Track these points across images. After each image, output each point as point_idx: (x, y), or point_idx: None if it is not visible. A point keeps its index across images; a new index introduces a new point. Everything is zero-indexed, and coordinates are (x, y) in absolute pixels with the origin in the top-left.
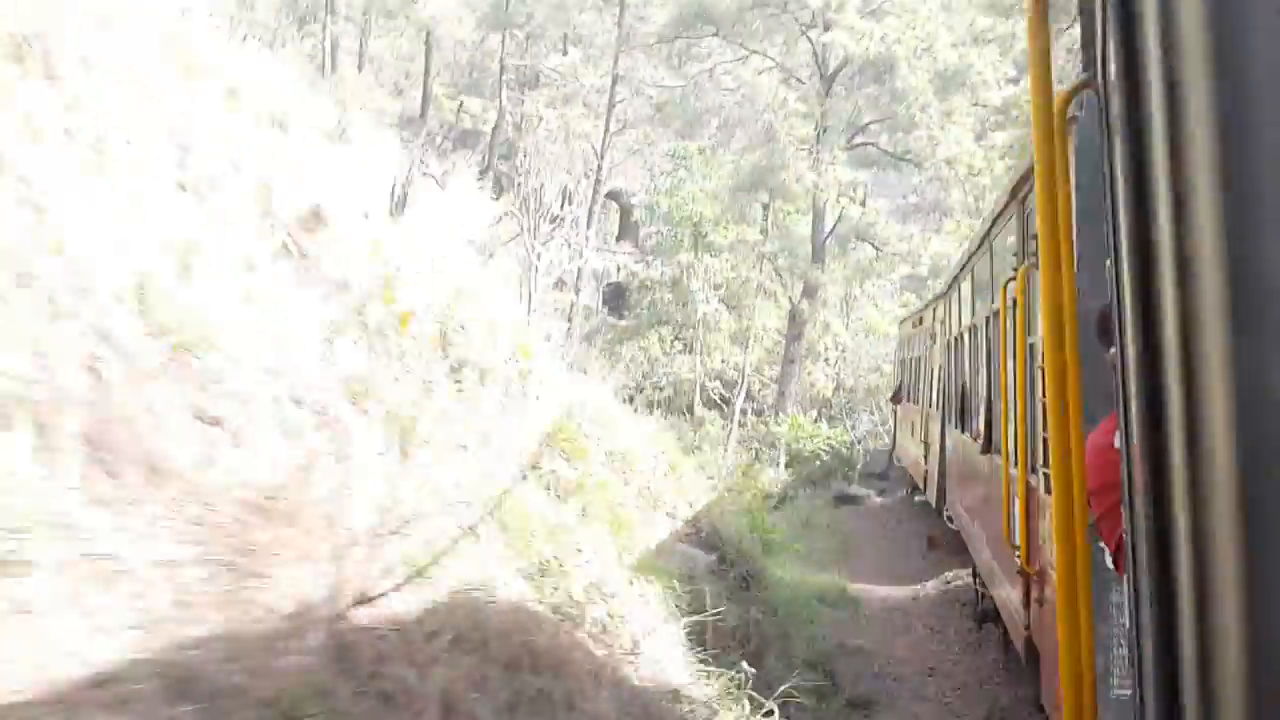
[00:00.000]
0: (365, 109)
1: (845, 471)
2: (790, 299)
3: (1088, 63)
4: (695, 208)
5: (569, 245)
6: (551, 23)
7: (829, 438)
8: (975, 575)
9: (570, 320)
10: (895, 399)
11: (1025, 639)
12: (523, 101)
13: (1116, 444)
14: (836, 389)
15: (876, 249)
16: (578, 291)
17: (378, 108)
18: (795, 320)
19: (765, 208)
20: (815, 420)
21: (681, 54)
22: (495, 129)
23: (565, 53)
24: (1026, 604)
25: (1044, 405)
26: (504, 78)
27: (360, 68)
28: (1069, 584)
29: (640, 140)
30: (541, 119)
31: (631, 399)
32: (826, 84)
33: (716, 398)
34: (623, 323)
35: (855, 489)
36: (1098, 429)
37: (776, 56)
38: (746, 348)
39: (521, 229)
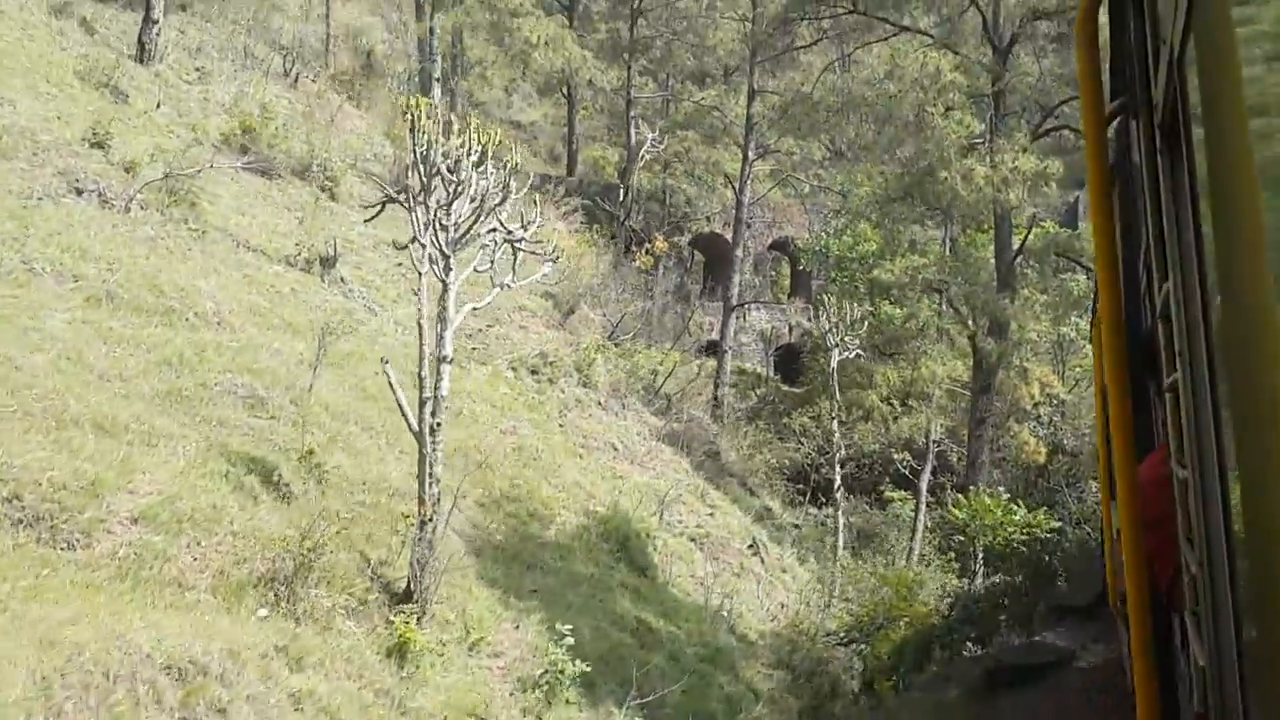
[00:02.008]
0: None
1: (1032, 592)
2: (971, 340)
3: (1118, 88)
4: (866, 246)
5: (510, 243)
6: (675, 42)
7: (1029, 525)
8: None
9: (717, 387)
10: None
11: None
12: (640, 129)
13: (1180, 475)
14: (1053, 454)
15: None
16: (723, 353)
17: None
18: (982, 368)
19: (949, 239)
20: (1009, 499)
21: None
22: (624, 173)
23: (702, 83)
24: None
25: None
26: (630, 114)
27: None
28: (1140, 620)
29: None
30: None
31: (801, 481)
32: (1001, 57)
33: (906, 472)
34: (796, 390)
35: (1034, 642)
36: (1147, 460)
37: (932, 30)
38: (928, 405)
39: (413, 221)
